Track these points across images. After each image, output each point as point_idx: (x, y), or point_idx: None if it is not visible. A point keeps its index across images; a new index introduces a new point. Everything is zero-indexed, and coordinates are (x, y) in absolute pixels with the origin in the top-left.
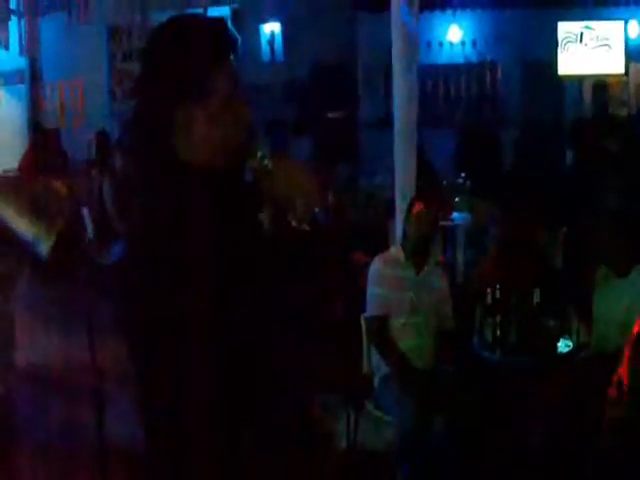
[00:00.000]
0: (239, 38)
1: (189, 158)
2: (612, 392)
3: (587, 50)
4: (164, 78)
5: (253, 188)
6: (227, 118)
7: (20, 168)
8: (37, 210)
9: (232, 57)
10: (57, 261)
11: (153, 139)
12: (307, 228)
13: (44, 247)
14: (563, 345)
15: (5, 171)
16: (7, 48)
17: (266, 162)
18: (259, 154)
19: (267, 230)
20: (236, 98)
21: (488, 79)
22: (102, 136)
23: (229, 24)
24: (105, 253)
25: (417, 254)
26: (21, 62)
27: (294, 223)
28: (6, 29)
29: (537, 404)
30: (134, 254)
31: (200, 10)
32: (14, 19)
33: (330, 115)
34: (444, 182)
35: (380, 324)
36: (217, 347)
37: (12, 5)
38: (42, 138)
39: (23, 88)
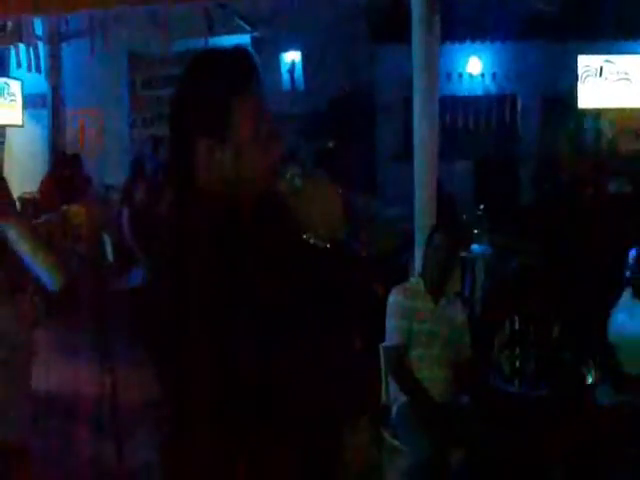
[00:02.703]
0: (259, 67)
1: (210, 188)
2: None
3: (607, 84)
4: (186, 112)
5: (282, 208)
6: (250, 150)
7: (40, 191)
8: (51, 247)
9: (255, 87)
10: (67, 299)
11: (177, 170)
12: (327, 245)
13: (55, 283)
14: (582, 377)
15: (25, 193)
16: (39, 71)
17: (296, 181)
18: (289, 174)
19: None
20: (262, 129)
21: (507, 112)
22: (139, 162)
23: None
24: (124, 278)
25: (436, 285)
26: (45, 86)
27: (312, 240)
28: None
29: (556, 437)
30: (160, 279)
31: (221, 38)
32: (40, 44)
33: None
34: (463, 214)
35: (398, 354)
36: (245, 369)
37: (38, 31)
38: (63, 163)
39: (44, 112)
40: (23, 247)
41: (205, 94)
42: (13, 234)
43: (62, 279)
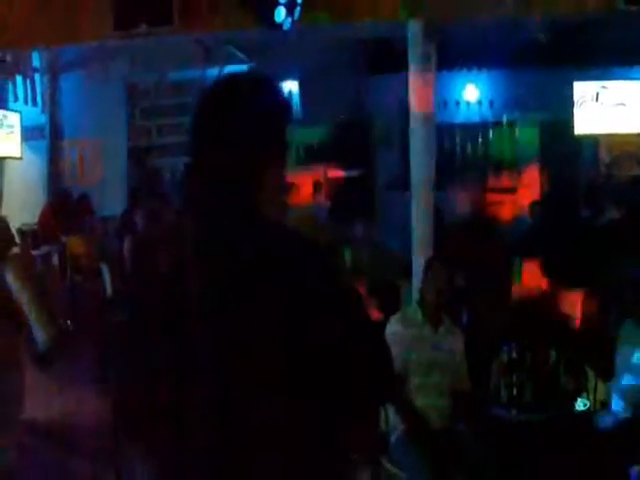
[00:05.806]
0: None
1: (267, 212)
2: None
3: (603, 109)
4: (251, 136)
5: None
6: (285, 180)
7: (39, 223)
8: (44, 303)
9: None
10: (51, 358)
11: (236, 194)
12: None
13: (44, 343)
14: (580, 404)
15: (24, 225)
16: (35, 104)
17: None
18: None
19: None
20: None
21: (505, 139)
22: (138, 191)
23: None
24: (122, 310)
25: (434, 313)
26: (42, 118)
27: None
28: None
29: (553, 463)
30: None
31: (218, 69)
32: (37, 76)
33: (347, 174)
34: None
35: (397, 383)
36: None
37: (35, 63)
38: (64, 199)
39: (43, 144)
40: (21, 295)
41: (270, 121)
42: (13, 281)
43: (53, 333)
